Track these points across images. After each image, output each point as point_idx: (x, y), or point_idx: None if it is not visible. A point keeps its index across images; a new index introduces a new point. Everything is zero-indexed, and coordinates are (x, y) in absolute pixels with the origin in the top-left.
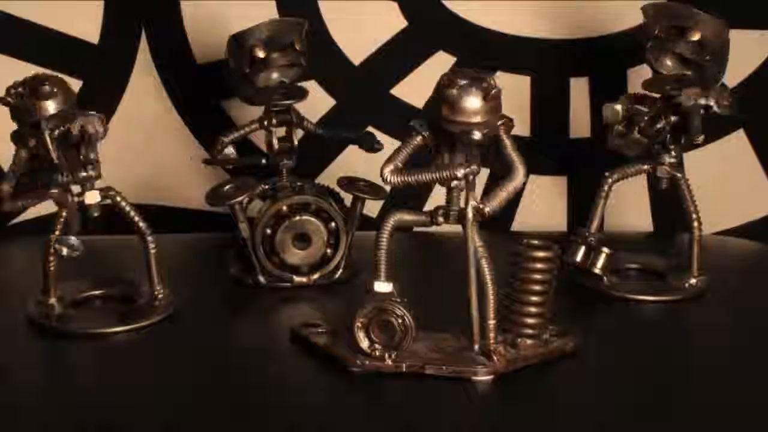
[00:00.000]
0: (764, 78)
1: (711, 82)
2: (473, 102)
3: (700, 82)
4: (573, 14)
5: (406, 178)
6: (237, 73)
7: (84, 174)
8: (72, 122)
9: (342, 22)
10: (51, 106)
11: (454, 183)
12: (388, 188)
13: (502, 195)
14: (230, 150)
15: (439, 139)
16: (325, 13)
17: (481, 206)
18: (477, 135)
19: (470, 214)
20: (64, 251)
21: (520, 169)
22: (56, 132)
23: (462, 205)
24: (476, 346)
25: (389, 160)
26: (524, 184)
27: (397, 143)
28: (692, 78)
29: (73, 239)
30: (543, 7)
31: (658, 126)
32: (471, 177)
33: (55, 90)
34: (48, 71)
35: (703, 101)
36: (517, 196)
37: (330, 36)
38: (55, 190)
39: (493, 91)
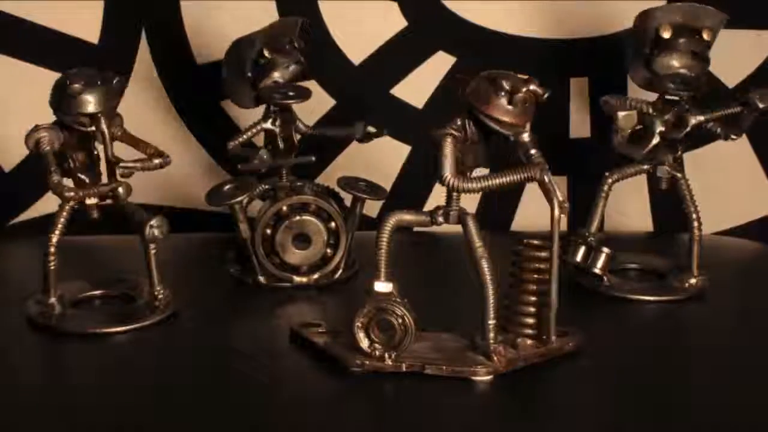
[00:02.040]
0: (764, 78)
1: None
2: (527, 105)
3: (700, 82)
4: (573, 14)
5: (479, 184)
6: (236, 78)
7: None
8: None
9: (342, 22)
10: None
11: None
12: (388, 189)
13: (554, 188)
14: (263, 154)
15: (468, 138)
16: (325, 13)
17: (564, 203)
18: (526, 136)
19: (557, 212)
20: (156, 232)
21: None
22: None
23: (461, 204)
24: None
25: (444, 167)
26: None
27: (397, 143)
28: (694, 78)
29: (157, 220)
30: (543, 7)
31: (688, 129)
32: (547, 177)
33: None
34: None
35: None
36: (517, 196)
37: (330, 36)
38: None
39: (546, 95)
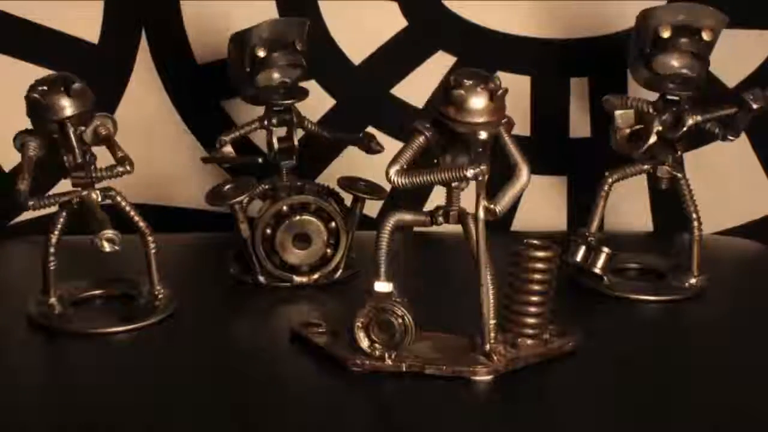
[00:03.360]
0: (764, 78)
1: (702, 79)
2: (480, 102)
3: (701, 82)
4: (573, 14)
5: (412, 179)
6: (238, 72)
7: (118, 169)
8: (89, 123)
9: (342, 22)
10: (74, 105)
11: (461, 183)
12: (388, 188)
13: (510, 194)
14: (228, 149)
15: (442, 139)
16: (325, 13)
17: (492, 206)
18: (483, 135)
19: (482, 214)
20: (107, 246)
21: (524, 168)
22: (78, 131)
23: (462, 204)
24: (487, 346)
25: (394, 161)
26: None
27: (397, 143)
28: (693, 78)
29: (111, 233)
30: (543, 7)
31: (684, 129)
32: (480, 177)
33: (83, 89)
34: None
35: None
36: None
37: (330, 36)
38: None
39: (500, 92)
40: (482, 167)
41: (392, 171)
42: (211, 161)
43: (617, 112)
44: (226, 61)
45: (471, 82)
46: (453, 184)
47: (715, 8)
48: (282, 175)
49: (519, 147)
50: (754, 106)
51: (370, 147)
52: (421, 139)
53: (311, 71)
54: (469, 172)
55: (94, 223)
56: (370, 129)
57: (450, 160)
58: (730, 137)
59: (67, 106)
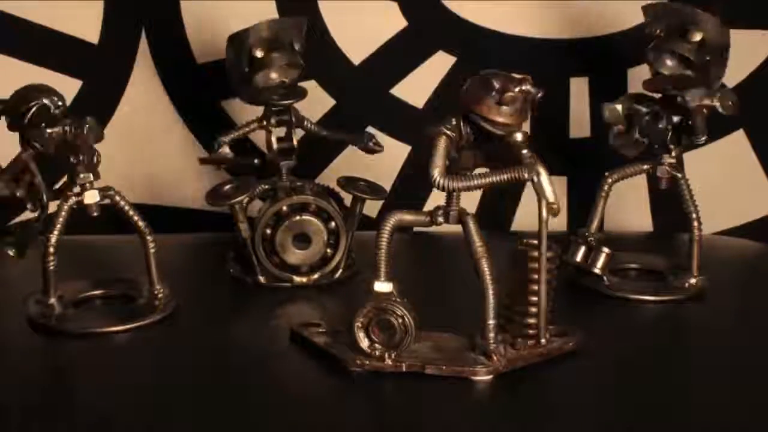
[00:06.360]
0: (764, 78)
1: (712, 83)
2: (517, 104)
3: (701, 82)
4: (573, 14)
5: (468, 183)
6: (236, 73)
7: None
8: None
9: (342, 22)
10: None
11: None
12: (388, 189)
13: (548, 184)
14: (226, 150)
15: (463, 138)
16: (325, 13)
17: (551, 204)
18: (519, 136)
19: (545, 213)
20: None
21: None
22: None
23: (461, 205)
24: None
25: (434, 165)
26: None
27: (397, 143)
28: (692, 78)
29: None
30: (543, 7)
31: (660, 126)
32: (536, 178)
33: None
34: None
35: (707, 102)
36: (517, 196)
37: (330, 36)
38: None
39: (539, 95)
40: (538, 167)
41: (438, 176)
42: (208, 163)
43: (606, 107)
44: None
45: (510, 85)
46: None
47: (711, 9)
48: (282, 175)
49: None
50: (692, 105)
51: (368, 147)
52: (447, 140)
53: (311, 71)
54: (526, 174)
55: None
56: (370, 129)
57: (470, 161)
58: (696, 141)
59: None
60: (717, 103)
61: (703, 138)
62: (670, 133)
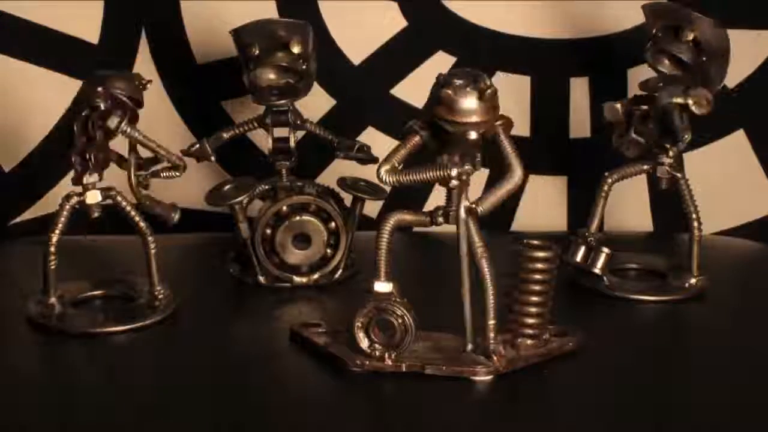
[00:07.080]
0: (764, 78)
1: (711, 84)
2: (469, 102)
3: (695, 83)
4: (573, 14)
5: (401, 178)
6: (242, 69)
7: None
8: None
9: (342, 22)
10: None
11: (453, 183)
12: (387, 188)
13: (497, 195)
14: (207, 147)
15: (437, 139)
16: (325, 13)
17: (473, 206)
18: (473, 134)
19: (462, 214)
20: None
21: (517, 170)
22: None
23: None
24: (469, 346)
25: (386, 159)
26: (523, 184)
27: (397, 143)
28: (682, 78)
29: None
30: (543, 7)
31: (650, 126)
32: (465, 176)
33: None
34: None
35: (679, 100)
36: (517, 196)
37: (330, 36)
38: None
39: (489, 91)
40: (467, 167)
41: (383, 169)
42: (189, 155)
43: (606, 106)
44: (226, 60)
45: (461, 81)
46: (451, 184)
47: (710, 12)
48: (282, 175)
49: (515, 148)
50: (664, 102)
51: (349, 156)
52: (416, 138)
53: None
54: (454, 171)
55: None
56: (370, 129)
57: (447, 160)
58: (679, 140)
59: None
60: (690, 101)
61: (686, 136)
62: (659, 133)
